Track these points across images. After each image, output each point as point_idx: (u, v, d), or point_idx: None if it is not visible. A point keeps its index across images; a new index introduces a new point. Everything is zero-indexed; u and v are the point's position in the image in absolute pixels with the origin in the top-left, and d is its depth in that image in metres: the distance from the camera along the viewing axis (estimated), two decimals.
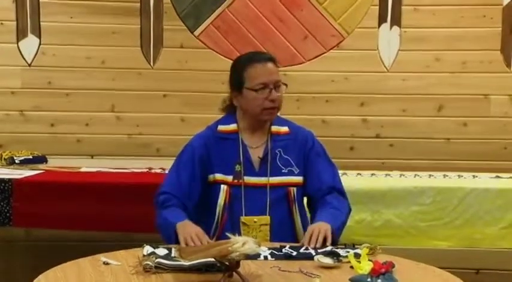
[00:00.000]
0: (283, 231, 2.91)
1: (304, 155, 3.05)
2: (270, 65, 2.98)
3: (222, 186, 2.97)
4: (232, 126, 3.05)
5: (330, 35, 4.93)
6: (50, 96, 4.83)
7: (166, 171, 4.12)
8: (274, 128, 3.06)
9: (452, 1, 4.89)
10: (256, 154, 3.02)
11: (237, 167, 2.99)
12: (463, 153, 4.86)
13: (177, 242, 2.72)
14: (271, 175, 3.00)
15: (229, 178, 2.98)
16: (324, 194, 3.01)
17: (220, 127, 3.06)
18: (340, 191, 3.06)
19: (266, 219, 2.96)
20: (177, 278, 2.36)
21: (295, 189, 3.02)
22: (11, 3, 4.78)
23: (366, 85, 4.91)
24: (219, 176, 2.99)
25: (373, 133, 4.93)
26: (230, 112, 3.09)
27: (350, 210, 3.07)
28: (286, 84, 3.01)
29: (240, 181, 2.98)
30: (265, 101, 2.95)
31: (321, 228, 2.78)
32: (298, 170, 3.03)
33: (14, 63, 4.80)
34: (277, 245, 2.73)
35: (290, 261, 2.58)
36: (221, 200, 2.96)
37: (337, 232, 2.83)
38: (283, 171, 3.01)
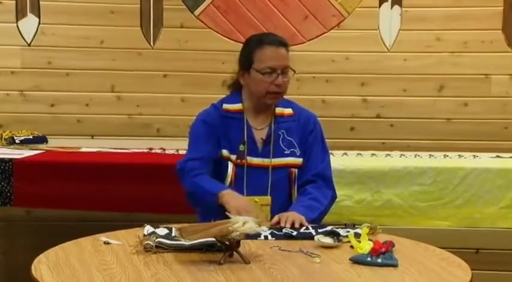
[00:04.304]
0: (284, 211, 2.90)
1: (305, 136, 3.06)
2: (281, 49, 2.98)
3: (229, 163, 2.98)
4: (237, 106, 3.05)
5: (330, 14, 4.91)
6: (50, 76, 4.81)
7: (167, 152, 4.17)
8: (279, 110, 3.07)
9: None
10: (259, 135, 3.02)
11: (241, 147, 3.00)
12: (463, 133, 4.86)
13: (218, 210, 2.75)
14: (274, 156, 3.01)
15: (233, 157, 2.99)
16: (307, 181, 3.03)
17: (226, 106, 3.06)
18: (327, 179, 3.07)
19: (267, 199, 2.97)
20: (178, 258, 2.37)
21: (296, 170, 3.03)
22: None
23: (367, 65, 4.90)
24: (225, 153, 3.00)
25: (373, 113, 4.92)
26: (236, 91, 3.09)
27: (334, 198, 3.08)
28: (294, 70, 3.00)
29: (243, 161, 2.99)
30: (270, 85, 2.95)
31: (290, 215, 2.79)
32: (299, 152, 3.04)
33: (13, 43, 4.78)
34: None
35: (290, 241, 2.59)
36: (228, 178, 2.96)
37: (312, 223, 2.82)
38: (285, 152, 3.02)
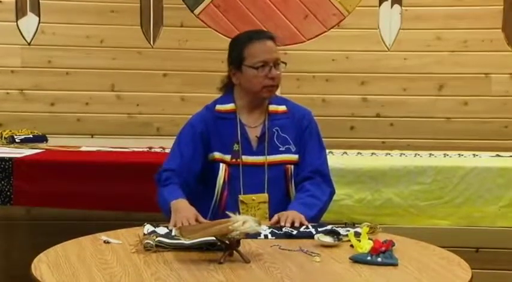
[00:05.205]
0: (281, 208, 2.91)
1: (300, 133, 3.06)
2: (269, 43, 2.99)
3: (221, 164, 2.98)
4: (230, 106, 3.06)
5: (330, 13, 4.91)
6: (49, 75, 4.81)
7: (167, 150, 4.16)
8: (272, 107, 3.07)
9: None
10: (254, 133, 3.03)
11: (235, 147, 3.00)
12: (463, 132, 4.86)
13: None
14: (269, 154, 3.01)
15: (228, 157, 2.99)
16: (305, 178, 3.03)
17: (218, 107, 3.07)
18: (324, 175, 3.07)
19: (264, 197, 2.97)
20: (178, 257, 2.37)
21: (292, 167, 3.03)
22: None
23: (367, 64, 4.90)
24: (217, 155, 3.00)
25: (373, 112, 4.92)
26: (228, 91, 3.10)
27: (332, 194, 3.09)
28: (285, 63, 3.01)
29: (238, 160, 2.99)
30: (265, 78, 2.96)
31: (290, 214, 2.79)
32: (295, 148, 3.04)
33: (13, 42, 4.78)
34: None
35: (290, 240, 2.59)
36: (220, 179, 2.97)
37: (312, 221, 2.83)
38: (280, 149, 3.03)
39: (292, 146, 3.04)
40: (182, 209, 2.77)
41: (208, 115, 3.07)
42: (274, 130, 3.04)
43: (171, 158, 3.05)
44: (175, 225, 2.66)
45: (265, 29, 3.13)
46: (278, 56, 3.00)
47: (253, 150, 3.02)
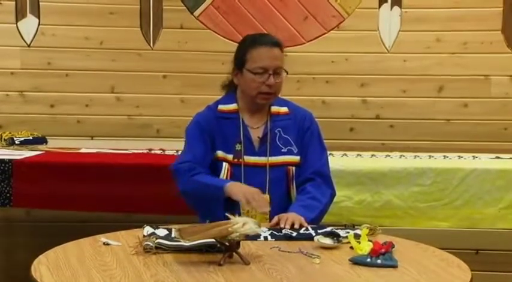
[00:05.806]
0: (282, 209, 2.91)
1: (301, 134, 3.06)
2: (274, 50, 2.98)
3: (224, 164, 2.98)
4: (232, 106, 3.06)
5: (330, 15, 4.91)
6: (49, 77, 4.82)
7: (167, 152, 4.17)
8: (274, 109, 3.07)
9: None
10: (256, 134, 3.03)
11: (237, 146, 3.00)
12: (463, 134, 4.86)
13: (220, 204, 2.81)
14: (271, 155, 3.01)
15: (230, 157, 3.00)
16: (306, 180, 3.03)
17: (221, 107, 3.07)
18: (325, 176, 3.07)
19: (265, 197, 2.97)
20: (177, 259, 2.37)
21: (293, 168, 3.03)
22: None
23: (366, 66, 4.90)
24: (220, 154, 3.01)
25: (373, 114, 4.92)
26: (231, 91, 3.10)
27: (333, 196, 3.09)
28: (287, 71, 3.00)
29: (240, 160, 2.99)
30: (262, 85, 2.96)
31: (290, 216, 2.79)
32: (296, 150, 3.04)
33: (13, 44, 4.79)
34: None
35: (290, 242, 2.59)
36: (223, 178, 2.97)
37: (312, 223, 2.83)
38: (282, 150, 3.03)
39: (294, 147, 3.05)
40: (245, 185, 2.87)
41: (210, 115, 3.07)
42: (276, 131, 3.04)
43: (188, 151, 3.04)
44: (247, 199, 2.77)
45: (272, 35, 3.12)
46: (279, 65, 2.98)
47: (255, 150, 3.02)
